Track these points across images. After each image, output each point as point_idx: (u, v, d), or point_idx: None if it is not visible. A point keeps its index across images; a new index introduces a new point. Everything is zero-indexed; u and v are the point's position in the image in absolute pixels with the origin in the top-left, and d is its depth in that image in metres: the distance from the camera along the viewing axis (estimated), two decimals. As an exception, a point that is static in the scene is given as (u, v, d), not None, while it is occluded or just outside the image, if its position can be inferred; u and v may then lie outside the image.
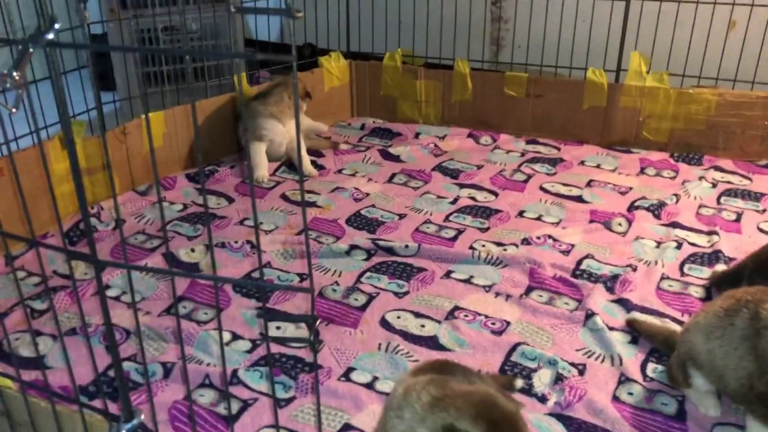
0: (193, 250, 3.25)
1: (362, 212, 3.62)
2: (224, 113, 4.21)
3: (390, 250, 3.23)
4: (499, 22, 5.18)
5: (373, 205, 3.70)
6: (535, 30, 4.61)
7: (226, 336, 2.67)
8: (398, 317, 2.80)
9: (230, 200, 3.77)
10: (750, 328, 2.03)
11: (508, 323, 2.76)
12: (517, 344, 2.63)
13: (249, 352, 2.59)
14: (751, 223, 3.45)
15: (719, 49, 4.14)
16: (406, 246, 3.24)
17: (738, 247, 3.22)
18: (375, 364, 2.53)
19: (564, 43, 4.48)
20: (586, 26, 4.45)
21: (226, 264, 3.16)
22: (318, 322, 2.77)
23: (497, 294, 2.94)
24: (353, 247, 3.25)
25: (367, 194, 3.82)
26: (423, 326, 2.74)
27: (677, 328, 2.62)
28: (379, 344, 2.64)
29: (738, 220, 3.48)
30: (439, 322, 2.76)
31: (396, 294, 2.94)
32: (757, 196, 3.68)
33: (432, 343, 2.65)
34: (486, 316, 2.80)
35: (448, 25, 4.86)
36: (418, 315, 2.81)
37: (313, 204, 3.71)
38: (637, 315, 2.75)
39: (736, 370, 2.06)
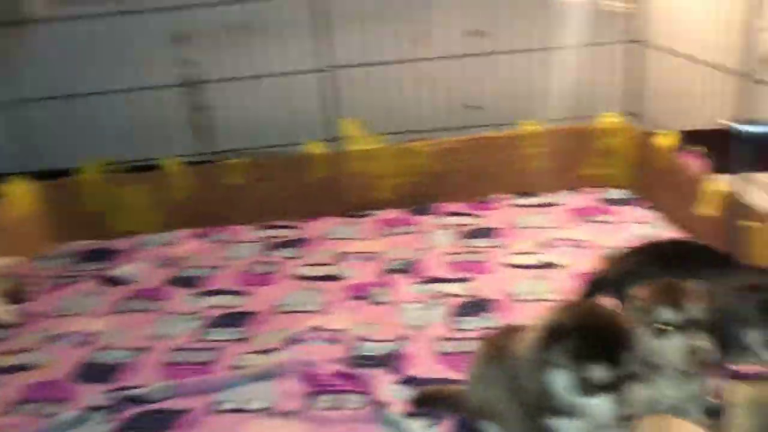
0: None
1: (92, 359, 2.98)
2: None
3: (139, 399, 2.66)
4: (200, 110, 4.86)
5: (104, 347, 3.07)
6: (238, 114, 4.38)
7: None
8: (167, 484, 2.27)
9: None
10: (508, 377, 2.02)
11: (299, 447, 2.38)
12: (315, 469, 2.27)
13: None
14: (495, 259, 3.50)
15: (415, 103, 4.28)
16: (159, 389, 2.70)
17: (492, 287, 3.22)
18: None
19: (274, 120, 4.30)
20: (292, 101, 4.32)
21: None
22: None
23: (280, 414, 2.54)
24: (91, 409, 2.61)
25: (94, 333, 3.18)
26: (200, 484, 2.25)
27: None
28: None
29: (484, 259, 3.51)
30: (218, 472, 2.29)
31: (157, 454, 2.41)
32: (493, 232, 3.78)
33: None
34: (269, 448, 2.39)
35: (145, 123, 4.41)
36: (190, 471, 2.31)
37: (20, 369, 2.96)
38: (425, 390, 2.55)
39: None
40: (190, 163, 4.25)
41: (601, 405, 1.80)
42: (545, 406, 1.93)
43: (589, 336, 1.83)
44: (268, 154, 4.26)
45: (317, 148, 4.13)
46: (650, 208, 3.79)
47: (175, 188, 4.17)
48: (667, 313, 2.10)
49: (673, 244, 3.01)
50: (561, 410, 1.90)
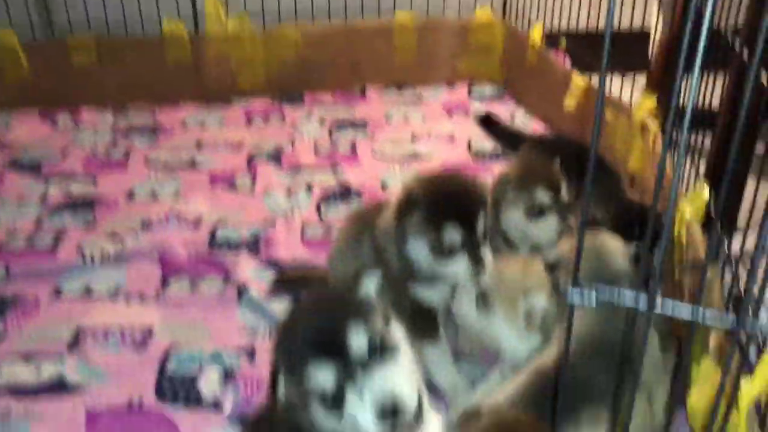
0: None
1: None
2: None
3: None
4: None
5: (-73, 232, 2.74)
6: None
7: None
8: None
9: None
10: (372, 251, 2.00)
11: (151, 330, 2.23)
12: (169, 351, 2.14)
13: None
14: (365, 150, 3.41)
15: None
16: (-8, 274, 2.45)
17: (362, 176, 3.15)
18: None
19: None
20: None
21: None
22: None
23: (127, 298, 2.38)
24: None
25: None
26: (38, 369, 2.07)
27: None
28: (-20, 415, 1.90)
29: (354, 150, 3.42)
30: (60, 356, 2.11)
31: (-10, 340, 2.18)
32: (363, 124, 3.68)
33: (57, 386, 2.01)
34: (121, 331, 2.23)
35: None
36: (28, 358, 2.11)
37: None
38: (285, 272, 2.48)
39: None
40: (31, 41, 3.78)
41: (457, 266, 1.80)
42: (408, 276, 1.91)
43: (440, 200, 1.83)
44: (120, 33, 3.85)
45: (176, 29, 3.78)
46: (518, 103, 3.82)
47: (13, 67, 3.71)
48: (544, 196, 2.12)
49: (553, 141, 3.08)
50: (423, 278, 1.89)
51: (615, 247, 1.68)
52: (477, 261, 1.78)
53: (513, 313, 1.78)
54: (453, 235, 1.79)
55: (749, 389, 1.28)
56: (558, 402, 1.16)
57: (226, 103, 3.88)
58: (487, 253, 1.82)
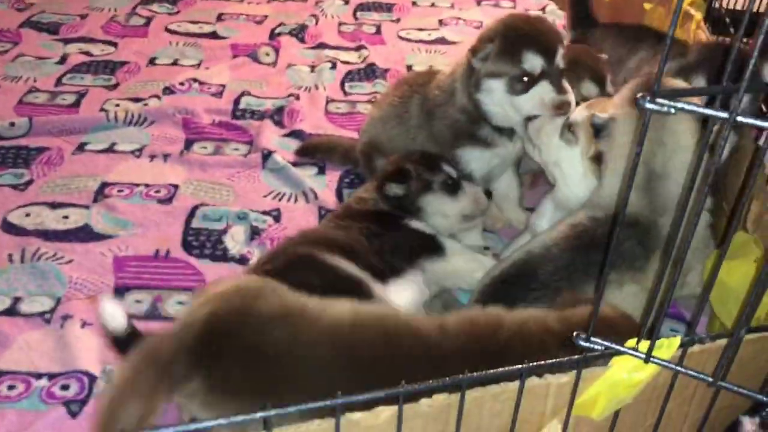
0: None
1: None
2: None
3: (-6, 135, 2.38)
4: None
5: (-53, 84, 2.70)
6: None
7: None
8: (27, 215, 2.07)
9: None
10: (422, 113, 1.98)
11: (176, 187, 2.23)
12: (195, 208, 2.15)
13: None
14: (390, 32, 3.33)
15: None
16: (12, 124, 2.42)
17: (387, 57, 3.08)
18: (12, 282, 1.84)
19: None
20: None
21: None
22: None
23: (152, 157, 2.37)
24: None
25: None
26: (66, 217, 2.08)
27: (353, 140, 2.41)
28: (10, 255, 1.92)
29: (378, 32, 3.33)
30: (86, 207, 2.12)
31: (15, 187, 2.18)
32: (389, 7, 3.57)
33: (85, 234, 2.02)
34: (146, 185, 2.23)
35: None
36: (55, 206, 2.12)
37: None
38: (308, 140, 2.46)
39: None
40: None
41: (541, 91, 1.80)
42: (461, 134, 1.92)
43: (517, 32, 1.83)
44: None
45: None
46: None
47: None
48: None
49: None
50: (477, 139, 1.90)
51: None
52: (560, 88, 1.76)
53: (588, 148, 1.72)
54: (534, 61, 1.77)
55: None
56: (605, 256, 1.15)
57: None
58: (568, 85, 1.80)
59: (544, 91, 1.77)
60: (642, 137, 0.87)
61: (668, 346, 1.06)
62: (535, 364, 1.05)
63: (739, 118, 0.80)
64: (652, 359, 1.03)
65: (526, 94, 1.80)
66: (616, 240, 0.96)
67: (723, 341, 1.13)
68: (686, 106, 0.83)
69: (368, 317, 1.33)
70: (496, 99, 1.84)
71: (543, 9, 3.56)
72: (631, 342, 1.08)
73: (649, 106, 0.84)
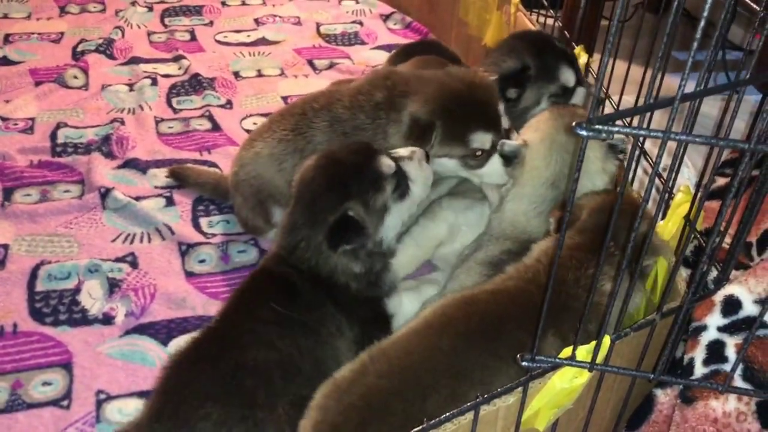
0: None
1: None
2: None
3: None
4: None
5: None
6: None
7: None
8: None
9: None
10: (335, 134, 1.80)
11: (5, 247, 1.95)
12: (36, 268, 1.89)
13: None
14: (206, 38, 3.14)
15: None
16: None
17: (210, 65, 2.91)
18: None
19: None
20: None
21: None
22: None
23: (-33, 216, 2.04)
24: None
25: None
26: None
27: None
28: None
29: (194, 38, 3.13)
30: None
31: None
32: (197, 9, 3.36)
33: None
34: (-33, 252, 1.92)
35: None
36: None
37: None
38: (178, 166, 2.26)
39: None
40: None
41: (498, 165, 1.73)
42: None
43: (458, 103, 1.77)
44: None
45: None
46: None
47: None
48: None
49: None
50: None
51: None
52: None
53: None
54: (483, 139, 1.72)
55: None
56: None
57: (30, -10, 3.36)
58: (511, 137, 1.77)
59: (499, 164, 1.72)
60: (579, 164, 0.87)
61: (602, 348, 1.10)
62: (487, 396, 1.04)
63: (674, 136, 0.82)
64: (596, 367, 1.05)
65: (483, 168, 1.76)
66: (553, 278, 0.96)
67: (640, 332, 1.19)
68: (622, 129, 0.84)
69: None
70: (451, 169, 1.79)
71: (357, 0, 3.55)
72: (567, 351, 1.10)
73: (583, 132, 0.84)
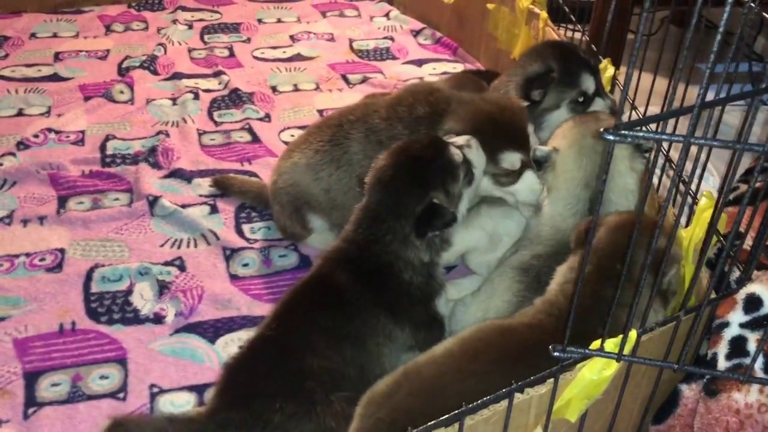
0: None
1: None
2: None
3: None
4: None
5: None
6: None
7: None
8: None
9: None
10: (370, 144, 1.89)
11: (62, 251, 2.07)
12: (90, 270, 2.01)
13: None
14: (245, 54, 3.27)
15: None
16: None
17: (248, 80, 3.03)
18: None
19: None
20: None
21: None
22: None
23: (24, 222, 2.17)
24: None
25: None
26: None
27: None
28: None
29: (232, 54, 3.26)
30: (-37, 290, 1.91)
31: None
32: (235, 27, 3.50)
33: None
34: (27, 255, 2.05)
35: None
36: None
37: None
38: (222, 176, 2.37)
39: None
40: None
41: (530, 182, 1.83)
42: None
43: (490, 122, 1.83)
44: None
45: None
46: (388, 1, 3.80)
47: None
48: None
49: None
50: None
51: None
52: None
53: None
54: (513, 158, 1.79)
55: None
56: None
57: (74, 11, 3.53)
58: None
59: (531, 181, 1.81)
60: (607, 167, 0.95)
61: (629, 341, 1.17)
62: (521, 383, 1.12)
63: (694, 140, 0.90)
64: (623, 358, 1.13)
65: (516, 185, 1.83)
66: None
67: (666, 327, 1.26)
68: (646, 135, 0.92)
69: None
70: (485, 188, 1.86)
71: (387, 15, 3.65)
72: (596, 344, 1.18)
73: (610, 137, 0.92)
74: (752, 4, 1.19)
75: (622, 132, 0.91)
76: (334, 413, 1.40)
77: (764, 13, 1.54)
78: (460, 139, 1.73)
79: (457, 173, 1.64)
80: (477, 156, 1.73)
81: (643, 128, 0.92)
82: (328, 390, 1.43)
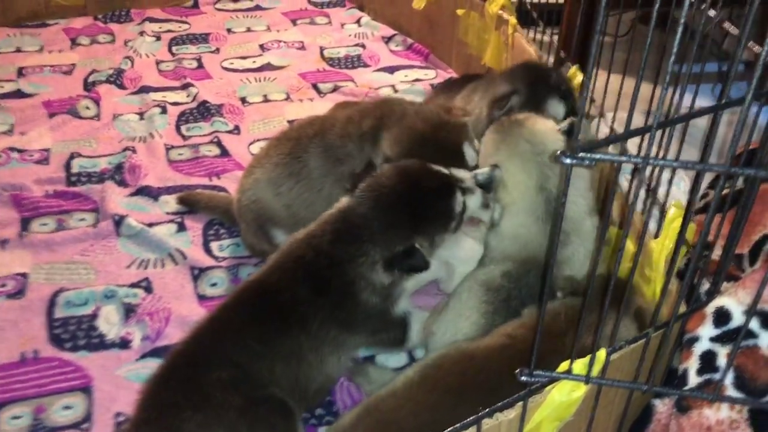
0: None
1: None
2: None
3: None
4: None
5: None
6: None
7: None
8: None
9: None
10: (328, 162, 1.86)
11: (25, 275, 2.02)
12: (54, 295, 1.96)
13: None
14: (213, 65, 3.22)
15: None
16: None
17: (217, 92, 2.99)
18: None
19: None
20: None
21: None
22: None
23: (-13, 246, 2.12)
24: None
25: None
26: None
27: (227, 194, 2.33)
28: None
29: (201, 65, 3.22)
30: None
31: None
32: (204, 37, 3.45)
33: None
34: (-12, 281, 1.99)
35: None
36: None
37: None
38: (187, 193, 2.33)
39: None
40: None
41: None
42: None
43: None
44: None
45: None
46: (359, 7, 3.76)
47: None
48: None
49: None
50: None
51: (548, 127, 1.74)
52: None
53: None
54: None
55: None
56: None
57: (40, 24, 3.46)
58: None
59: (470, 246, 1.78)
60: (565, 189, 0.92)
61: (598, 361, 1.15)
62: (488, 410, 1.09)
63: (653, 162, 0.88)
64: (592, 381, 1.10)
65: (454, 251, 1.79)
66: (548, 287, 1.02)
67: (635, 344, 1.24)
68: (604, 157, 0.90)
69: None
70: None
71: (358, 21, 3.62)
72: (564, 365, 1.16)
73: (567, 161, 0.90)
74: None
75: (580, 155, 0.88)
76: (251, 420, 1.39)
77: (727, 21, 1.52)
78: (468, 180, 1.67)
79: (450, 226, 1.61)
80: (474, 203, 1.69)
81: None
82: (246, 396, 1.40)
